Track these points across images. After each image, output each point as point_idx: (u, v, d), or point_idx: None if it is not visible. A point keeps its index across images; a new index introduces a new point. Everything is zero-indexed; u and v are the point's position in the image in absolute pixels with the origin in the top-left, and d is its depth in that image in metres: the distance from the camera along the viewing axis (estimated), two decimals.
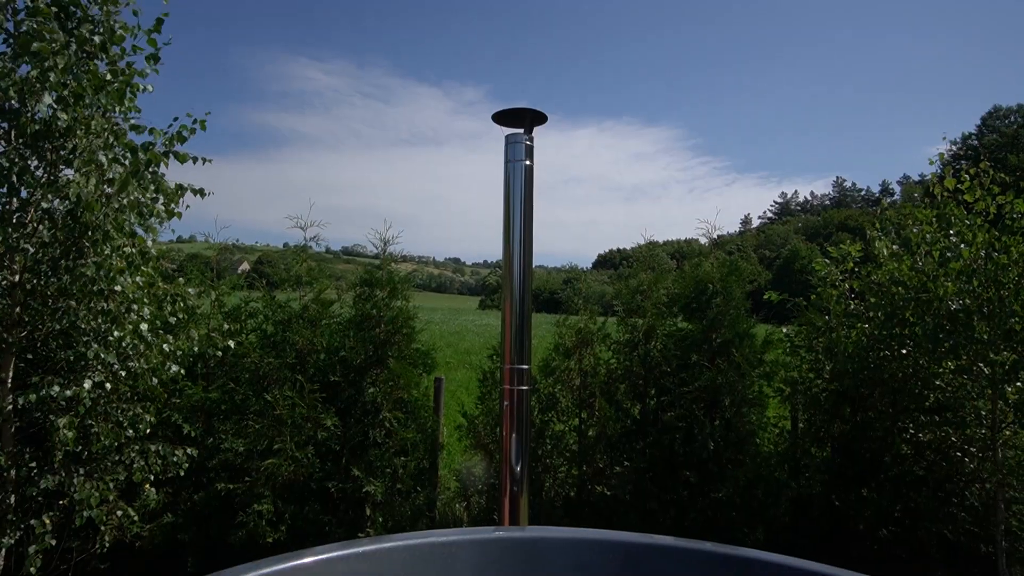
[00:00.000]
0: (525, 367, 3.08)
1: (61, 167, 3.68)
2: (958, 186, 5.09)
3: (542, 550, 2.36)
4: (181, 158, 4.07)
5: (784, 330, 6.04)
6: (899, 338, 5.18)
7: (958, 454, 5.18)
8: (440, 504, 5.69)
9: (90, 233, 3.58)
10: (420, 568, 2.27)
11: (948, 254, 4.84)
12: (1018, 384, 4.70)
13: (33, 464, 3.83)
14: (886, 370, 5.28)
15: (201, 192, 4.19)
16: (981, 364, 4.72)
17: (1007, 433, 4.93)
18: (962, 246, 4.77)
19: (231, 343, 4.68)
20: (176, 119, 4.01)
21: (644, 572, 2.32)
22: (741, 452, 5.45)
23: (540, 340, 6.99)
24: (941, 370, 5.00)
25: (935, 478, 5.31)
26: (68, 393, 3.63)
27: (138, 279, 3.82)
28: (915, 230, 5.26)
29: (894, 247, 5.49)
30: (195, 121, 4.03)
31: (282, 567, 2.03)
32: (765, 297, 6.07)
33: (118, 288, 3.67)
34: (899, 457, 5.37)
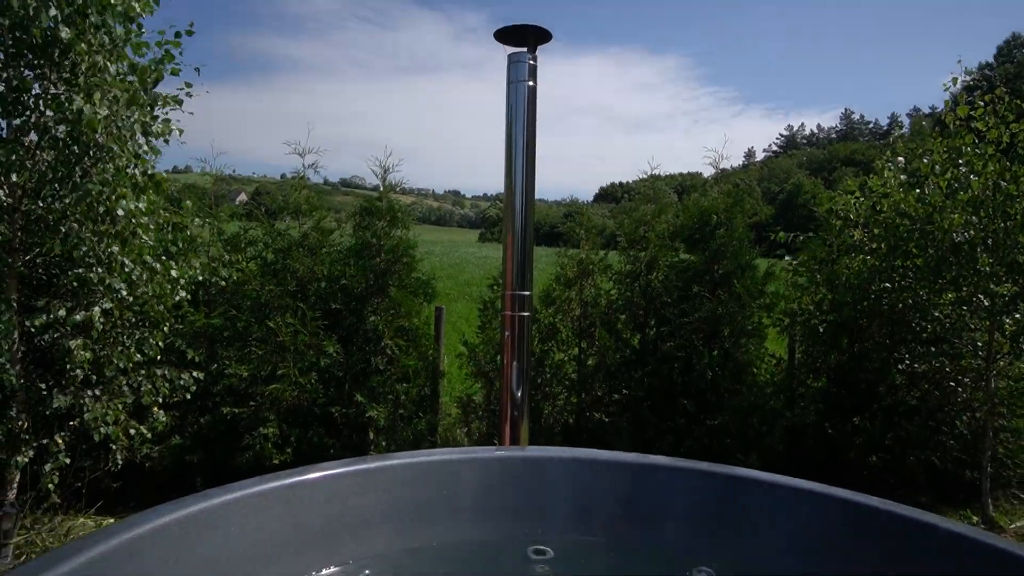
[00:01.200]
0: (527, 293, 3.08)
1: (61, 86, 3.59)
2: (971, 114, 4.96)
3: (542, 468, 2.42)
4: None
5: (787, 258, 6.05)
6: (900, 270, 5.17)
7: (951, 384, 5.27)
8: (441, 429, 5.82)
9: (92, 152, 3.53)
10: (423, 485, 2.33)
11: (956, 184, 4.77)
12: (1016, 316, 4.72)
13: (43, 386, 3.89)
14: (885, 301, 5.30)
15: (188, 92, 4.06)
16: (981, 296, 4.73)
17: (1001, 364, 5.00)
18: (971, 176, 4.69)
19: (233, 274, 4.70)
20: (162, 33, 3.89)
21: (642, 489, 2.39)
22: (738, 382, 5.54)
23: (540, 273, 6.99)
24: (940, 301, 5.01)
25: (927, 408, 5.41)
26: (78, 318, 3.66)
27: (140, 204, 3.78)
28: (924, 160, 5.17)
29: (901, 177, 5.41)
30: (178, 35, 3.90)
31: (288, 482, 2.09)
32: (773, 237, 6.05)
33: (120, 212, 3.64)
34: (893, 388, 5.46)
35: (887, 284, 5.26)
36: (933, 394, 5.35)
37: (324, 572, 2.07)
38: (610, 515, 2.36)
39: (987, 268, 4.54)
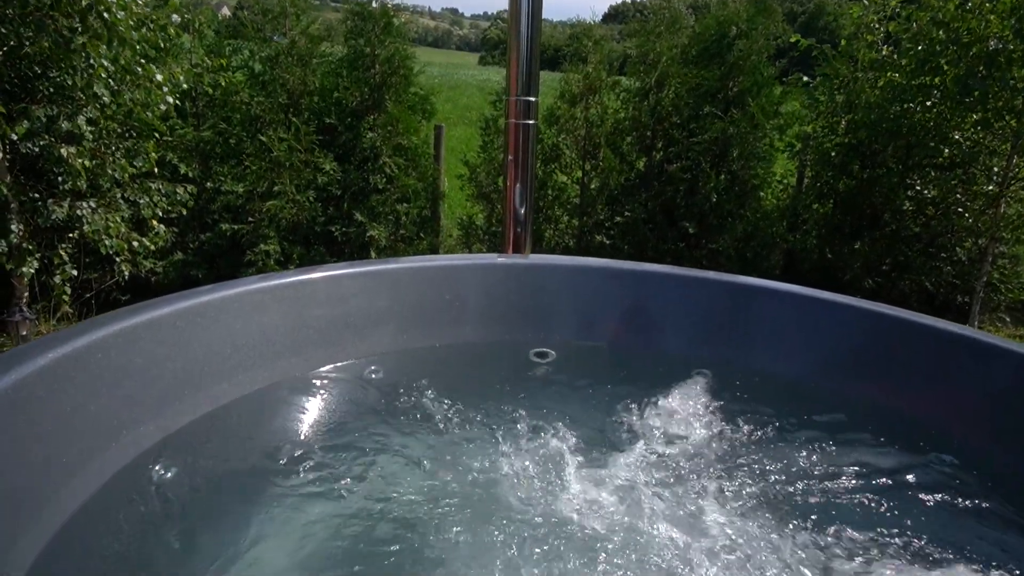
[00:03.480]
0: (532, 99, 2.89)
1: None
2: None
3: (544, 275, 2.41)
4: None
5: (804, 78, 5.72)
6: (926, 89, 4.90)
7: (959, 210, 5.21)
8: (443, 250, 5.85)
9: None
10: (427, 288, 2.34)
11: None
12: None
13: (36, 196, 3.82)
14: (905, 123, 5.07)
15: None
16: (1006, 115, 4.52)
17: (1013, 188, 4.90)
18: None
19: (221, 79, 4.43)
20: None
21: (645, 297, 2.40)
22: (743, 206, 5.47)
23: (543, 97, 6.65)
24: (963, 123, 4.80)
25: (930, 234, 5.40)
26: (64, 126, 3.52)
27: None
28: None
29: None
30: None
31: (290, 280, 2.08)
32: (792, 39, 5.63)
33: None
34: (899, 213, 5.40)
35: (910, 104, 5.00)
36: (939, 219, 5.30)
37: (326, 368, 2.13)
38: (612, 321, 2.39)
39: (1021, 85, 4.28)
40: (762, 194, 5.63)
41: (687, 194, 5.39)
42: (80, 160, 3.56)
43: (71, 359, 1.37)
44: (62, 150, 3.54)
